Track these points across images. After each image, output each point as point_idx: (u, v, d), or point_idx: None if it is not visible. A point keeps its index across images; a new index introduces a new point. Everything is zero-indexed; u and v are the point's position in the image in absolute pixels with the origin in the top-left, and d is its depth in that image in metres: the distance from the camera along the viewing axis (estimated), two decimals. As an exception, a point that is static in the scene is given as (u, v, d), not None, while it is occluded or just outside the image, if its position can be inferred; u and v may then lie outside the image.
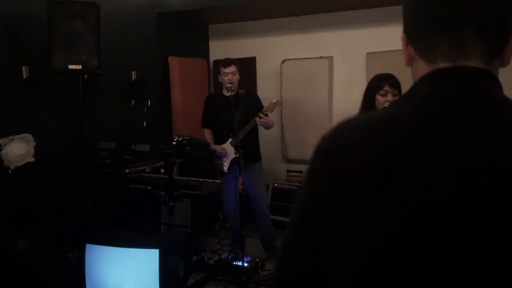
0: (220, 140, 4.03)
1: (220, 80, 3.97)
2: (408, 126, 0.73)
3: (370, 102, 2.81)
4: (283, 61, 5.31)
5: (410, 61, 0.84)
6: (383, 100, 2.75)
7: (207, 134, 4.13)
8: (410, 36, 0.82)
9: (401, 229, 0.68)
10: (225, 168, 4.00)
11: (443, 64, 0.77)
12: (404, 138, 0.71)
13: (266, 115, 3.96)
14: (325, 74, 5.11)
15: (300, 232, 0.78)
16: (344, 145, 0.77)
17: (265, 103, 4.16)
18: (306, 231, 0.77)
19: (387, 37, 4.80)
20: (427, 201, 0.67)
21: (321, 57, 5.13)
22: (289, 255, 0.79)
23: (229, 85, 3.81)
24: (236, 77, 3.91)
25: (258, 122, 3.84)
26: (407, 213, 0.68)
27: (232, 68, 3.86)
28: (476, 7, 0.74)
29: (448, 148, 0.69)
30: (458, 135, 0.70)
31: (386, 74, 2.85)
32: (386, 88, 2.76)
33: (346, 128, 0.79)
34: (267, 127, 3.99)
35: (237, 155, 3.69)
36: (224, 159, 3.99)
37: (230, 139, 3.95)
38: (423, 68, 0.79)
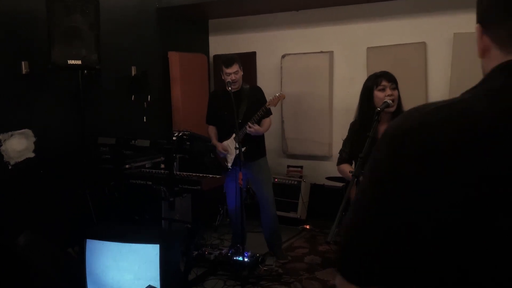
0: (224, 137, 4.01)
1: (223, 78, 3.92)
2: (478, 117, 0.73)
3: (366, 101, 2.80)
4: (283, 56, 5.30)
5: (483, 52, 0.82)
6: (382, 95, 2.75)
7: (211, 131, 4.10)
8: (486, 25, 0.81)
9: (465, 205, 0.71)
10: (229, 165, 3.98)
11: None
12: (473, 128, 0.72)
13: (269, 110, 3.93)
14: (326, 69, 5.10)
15: (370, 215, 0.80)
16: (415, 127, 0.77)
17: (267, 98, 4.14)
18: (376, 210, 0.79)
19: (387, 32, 4.79)
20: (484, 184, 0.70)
21: (321, 52, 5.11)
22: (358, 233, 0.81)
23: (229, 80, 3.78)
24: (239, 75, 3.85)
25: (248, 131, 3.78)
26: (471, 192, 0.70)
27: (234, 68, 3.79)
28: None
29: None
30: None
31: (380, 71, 2.85)
32: (384, 83, 2.76)
33: (416, 115, 0.79)
34: (258, 135, 3.90)
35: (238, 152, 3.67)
36: (228, 155, 3.98)
37: (234, 135, 3.93)
38: (498, 58, 0.79)
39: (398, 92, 2.80)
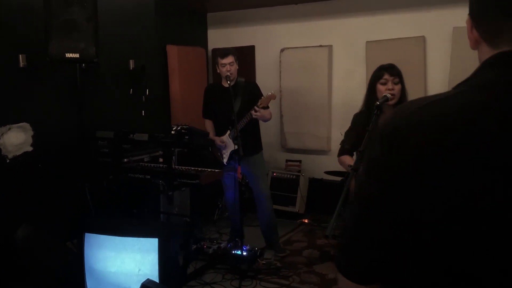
0: (220, 132, 4.00)
1: (218, 71, 3.91)
2: (469, 110, 0.74)
3: (371, 92, 2.84)
4: (282, 50, 5.28)
5: (475, 44, 0.84)
6: (384, 88, 2.77)
7: (208, 125, 4.09)
8: (476, 20, 0.82)
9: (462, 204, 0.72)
10: (225, 160, 3.98)
11: (506, 48, 0.77)
12: (465, 121, 0.73)
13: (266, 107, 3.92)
14: (325, 63, 5.09)
15: (368, 214, 0.82)
16: (405, 125, 0.78)
17: (264, 93, 4.12)
18: (374, 211, 0.81)
19: (387, 26, 4.78)
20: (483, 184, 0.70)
21: (320, 46, 5.10)
22: (359, 235, 0.84)
23: (228, 74, 3.76)
24: (234, 67, 3.84)
25: (254, 116, 3.76)
26: (468, 190, 0.71)
27: (229, 59, 3.79)
28: None
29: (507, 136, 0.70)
30: None
31: (387, 64, 2.87)
32: (386, 77, 2.78)
33: (406, 111, 0.81)
34: (264, 120, 3.90)
35: (236, 147, 3.66)
36: (224, 151, 3.98)
37: (228, 131, 3.92)
38: (486, 52, 0.80)
39: (403, 86, 2.81)
